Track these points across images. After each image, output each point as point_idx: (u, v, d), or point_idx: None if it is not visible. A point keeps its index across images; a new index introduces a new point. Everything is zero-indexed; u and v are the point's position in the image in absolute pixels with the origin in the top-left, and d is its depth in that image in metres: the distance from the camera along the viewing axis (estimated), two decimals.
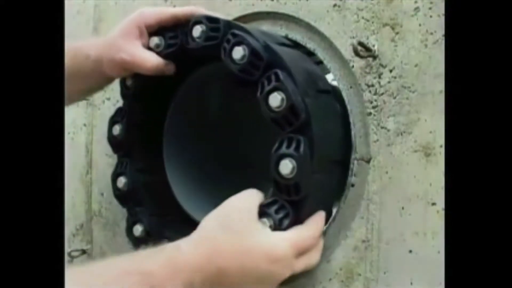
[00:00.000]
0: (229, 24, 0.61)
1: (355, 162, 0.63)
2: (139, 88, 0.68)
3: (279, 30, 0.70)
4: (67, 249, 0.91)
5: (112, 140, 0.71)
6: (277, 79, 0.56)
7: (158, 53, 0.65)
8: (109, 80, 0.71)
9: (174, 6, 0.80)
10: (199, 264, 0.49)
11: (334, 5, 0.65)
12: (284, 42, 0.66)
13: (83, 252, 0.92)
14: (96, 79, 0.69)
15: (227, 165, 0.79)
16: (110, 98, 0.88)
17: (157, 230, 0.67)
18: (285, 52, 0.60)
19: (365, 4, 0.62)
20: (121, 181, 0.69)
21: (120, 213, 0.87)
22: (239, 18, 0.73)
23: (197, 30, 0.62)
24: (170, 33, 0.65)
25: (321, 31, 0.66)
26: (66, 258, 0.92)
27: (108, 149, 0.89)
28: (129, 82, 0.68)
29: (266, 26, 0.70)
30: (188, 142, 0.75)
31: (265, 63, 0.57)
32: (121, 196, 0.70)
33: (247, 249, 0.52)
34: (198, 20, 0.62)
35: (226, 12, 0.74)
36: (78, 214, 0.93)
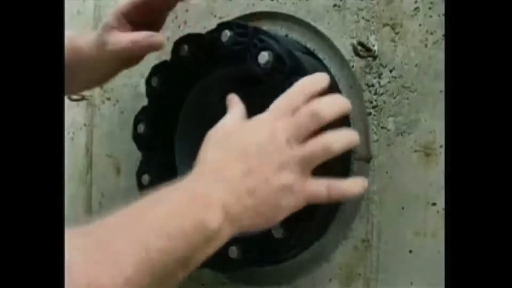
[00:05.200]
0: (256, 30, 0.63)
1: (355, 162, 0.63)
2: (164, 88, 0.70)
3: (279, 30, 0.70)
4: None
5: (137, 138, 0.74)
6: None
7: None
8: (106, 77, 0.70)
9: None
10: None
11: (334, 5, 0.65)
12: (308, 51, 0.67)
13: None
14: (99, 75, 0.69)
15: None
16: (110, 98, 0.88)
17: None
18: (307, 61, 0.63)
19: (365, 4, 0.62)
20: (145, 179, 0.72)
21: None
22: (239, 18, 0.73)
23: (225, 35, 0.64)
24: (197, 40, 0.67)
25: (321, 31, 0.66)
26: None
27: (108, 149, 0.90)
28: (154, 83, 0.71)
29: (266, 26, 0.70)
30: (198, 142, 0.76)
31: (288, 69, 0.59)
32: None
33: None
34: (226, 26, 0.64)
35: (226, 12, 0.74)
36: (78, 214, 0.93)
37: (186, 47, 0.68)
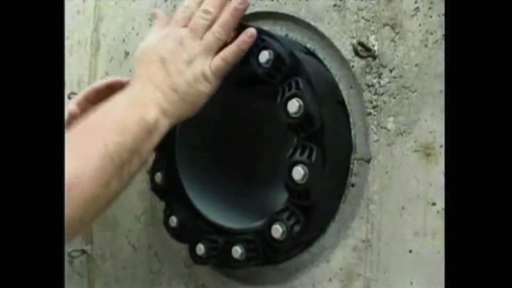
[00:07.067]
0: (259, 31, 0.63)
1: (355, 162, 0.63)
2: None
3: (279, 30, 0.70)
4: (67, 249, 0.91)
5: None
6: (297, 86, 0.58)
7: None
8: None
9: (174, 6, 0.80)
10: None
11: (334, 5, 0.65)
12: (308, 51, 0.68)
13: (83, 252, 0.92)
14: None
15: (237, 164, 0.80)
16: None
17: (191, 222, 0.71)
18: (308, 61, 0.63)
19: (365, 4, 0.62)
20: (159, 176, 0.73)
21: (120, 213, 0.87)
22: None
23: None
24: None
25: (321, 31, 0.66)
26: (66, 258, 0.92)
27: None
28: None
29: (266, 26, 0.70)
30: (199, 142, 0.77)
31: (288, 68, 0.60)
32: (158, 190, 0.74)
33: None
34: None
35: None
36: None
37: None
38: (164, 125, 0.59)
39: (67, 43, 0.95)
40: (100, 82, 0.74)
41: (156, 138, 0.59)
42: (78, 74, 0.94)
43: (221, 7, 0.62)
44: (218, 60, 0.61)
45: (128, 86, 0.61)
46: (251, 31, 0.61)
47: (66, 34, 0.96)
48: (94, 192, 0.53)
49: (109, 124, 0.57)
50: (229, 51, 0.61)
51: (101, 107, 0.59)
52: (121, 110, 0.58)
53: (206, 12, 0.61)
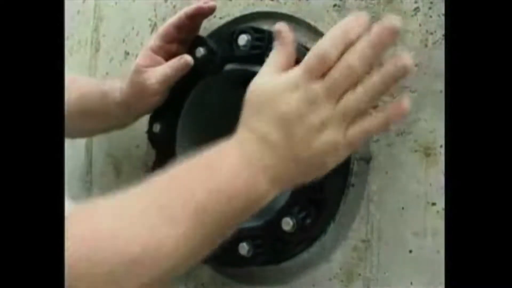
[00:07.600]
0: (273, 35, 0.63)
1: (355, 162, 0.63)
2: (175, 88, 0.72)
3: None
4: None
5: (153, 137, 0.76)
6: None
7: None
8: (134, 119, 0.75)
9: (174, 6, 0.80)
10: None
11: (334, 5, 0.65)
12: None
13: None
14: (122, 120, 0.74)
15: None
16: None
17: None
18: None
19: (365, 4, 0.62)
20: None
21: None
22: (239, 18, 0.73)
23: (243, 39, 0.66)
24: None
25: (321, 31, 0.66)
26: None
27: (108, 149, 0.89)
28: None
29: (266, 26, 0.70)
30: (199, 142, 0.77)
31: None
32: None
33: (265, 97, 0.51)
34: (244, 30, 0.67)
35: (226, 12, 0.74)
36: None
37: (202, 49, 0.69)
38: (271, 196, 0.50)
39: (67, 43, 0.95)
40: (178, 16, 0.69)
41: (258, 208, 0.50)
42: (78, 74, 0.94)
43: (370, 64, 0.48)
44: (356, 132, 0.49)
45: (235, 139, 0.51)
46: (403, 105, 0.48)
47: (66, 34, 0.96)
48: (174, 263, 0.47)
49: (211, 188, 0.48)
50: (374, 124, 0.49)
51: (197, 159, 0.49)
52: (227, 173, 0.48)
53: (350, 68, 0.47)
